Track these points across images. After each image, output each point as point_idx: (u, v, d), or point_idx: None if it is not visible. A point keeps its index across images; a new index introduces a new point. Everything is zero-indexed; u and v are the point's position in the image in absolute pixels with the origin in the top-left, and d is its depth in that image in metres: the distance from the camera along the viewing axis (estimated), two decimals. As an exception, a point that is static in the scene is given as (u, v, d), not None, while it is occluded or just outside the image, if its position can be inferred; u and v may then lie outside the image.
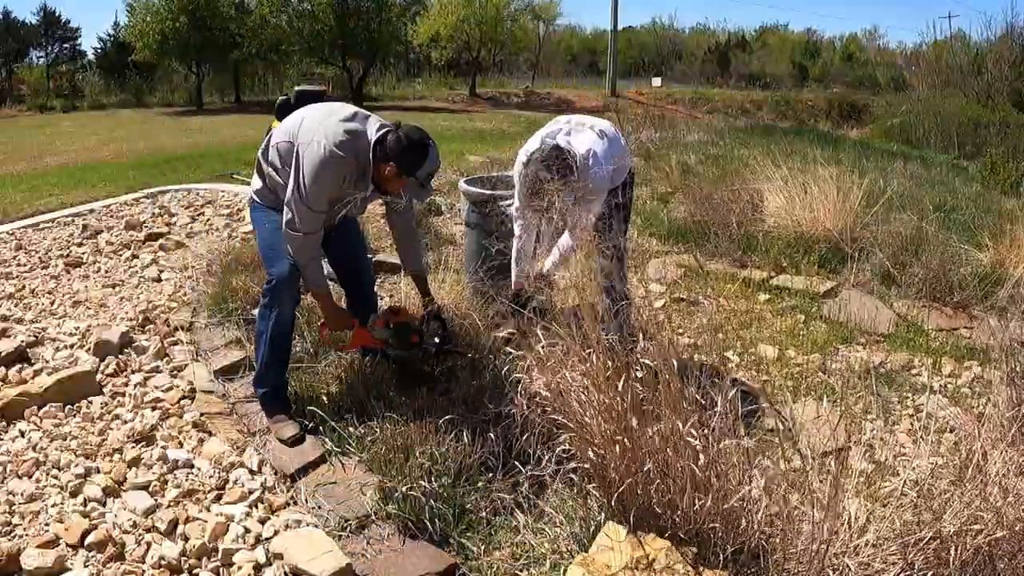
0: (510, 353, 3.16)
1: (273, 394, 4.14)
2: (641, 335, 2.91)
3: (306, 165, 3.66)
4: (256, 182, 4.13)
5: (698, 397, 2.67)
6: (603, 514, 2.90)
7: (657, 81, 43.94)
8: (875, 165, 11.23)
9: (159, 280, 6.62)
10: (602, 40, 54.86)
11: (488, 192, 5.20)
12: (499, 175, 5.94)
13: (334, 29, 35.32)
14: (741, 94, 41.44)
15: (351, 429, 3.84)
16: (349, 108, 3.90)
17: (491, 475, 3.46)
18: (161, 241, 7.72)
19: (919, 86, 27.97)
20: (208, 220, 8.85)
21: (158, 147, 17.56)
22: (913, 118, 22.25)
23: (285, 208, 3.74)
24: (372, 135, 3.75)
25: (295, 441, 3.91)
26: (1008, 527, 2.40)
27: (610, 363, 2.76)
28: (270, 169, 3.97)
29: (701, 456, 2.57)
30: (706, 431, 2.60)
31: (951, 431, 4.00)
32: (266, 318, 4.03)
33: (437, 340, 4.26)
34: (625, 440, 2.69)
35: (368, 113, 3.91)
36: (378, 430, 3.67)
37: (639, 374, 2.74)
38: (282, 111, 9.12)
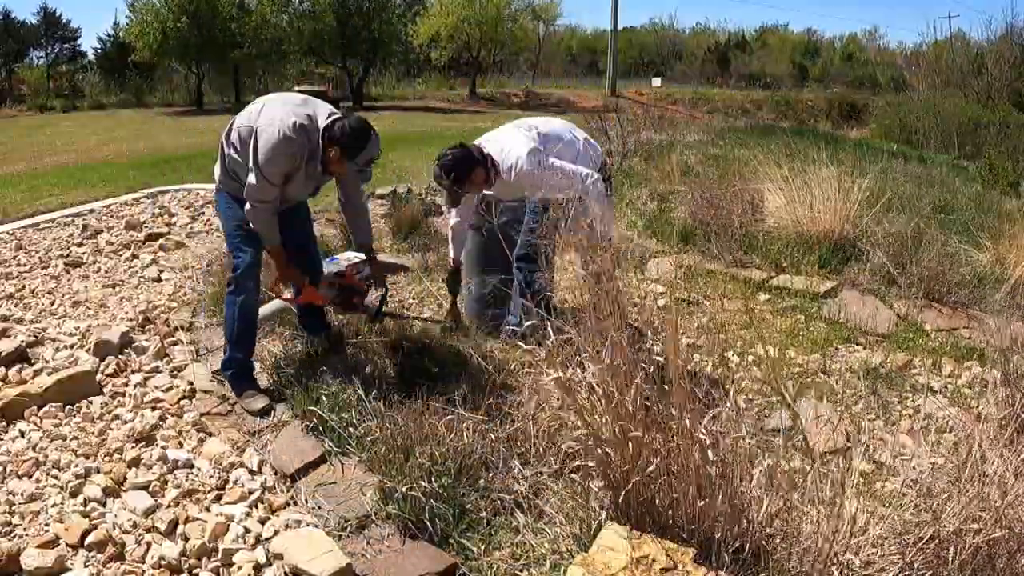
0: (517, 348, 3.15)
1: (240, 373, 4.48)
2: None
3: (263, 145, 4.08)
4: (217, 170, 4.50)
5: (700, 395, 2.68)
6: (604, 514, 2.90)
7: (657, 81, 43.97)
8: (875, 165, 11.23)
9: (159, 280, 6.62)
10: (602, 40, 54.90)
11: (487, 193, 5.13)
12: None
13: (335, 29, 35.34)
14: (741, 94, 41.47)
15: (351, 429, 3.84)
16: (303, 97, 4.41)
17: (491, 475, 3.45)
18: (161, 241, 7.73)
19: (919, 86, 27.99)
20: (208, 220, 8.85)
21: (158, 147, 17.56)
22: (913, 118, 22.25)
23: (248, 179, 4.17)
24: (322, 122, 4.20)
25: (264, 412, 4.26)
26: (1007, 527, 2.40)
27: (622, 361, 2.76)
28: (231, 151, 4.35)
29: (710, 453, 2.57)
30: (714, 429, 2.60)
31: (951, 431, 4.00)
32: (232, 304, 4.42)
33: (378, 303, 4.81)
34: (635, 438, 2.68)
35: (320, 102, 4.39)
36: (378, 430, 3.66)
37: (648, 372, 2.74)
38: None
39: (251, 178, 4.14)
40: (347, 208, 4.79)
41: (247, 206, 4.19)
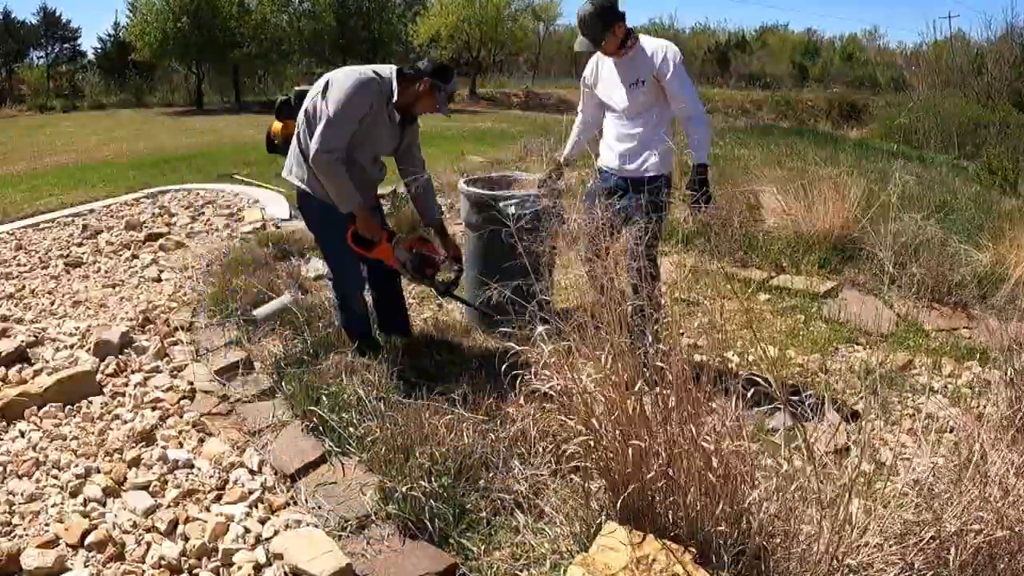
0: (512, 351, 3.13)
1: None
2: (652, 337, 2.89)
3: (336, 91, 4.13)
4: (299, 169, 4.39)
5: (702, 399, 2.67)
6: (604, 514, 2.90)
7: (657, 81, 43.92)
8: (875, 166, 11.23)
9: (159, 280, 6.62)
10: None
11: (487, 193, 5.12)
12: (500, 175, 5.84)
13: (335, 29, 35.39)
14: (741, 94, 41.48)
15: (351, 429, 3.83)
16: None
17: (491, 474, 3.45)
18: (161, 241, 7.73)
19: (919, 86, 28.02)
20: (208, 220, 8.86)
21: (158, 147, 17.56)
22: (913, 118, 22.27)
23: (316, 133, 4.10)
24: (391, 74, 4.27)
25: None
26: (1008, 527, 2.40)
27: (621, 366, 2.75)
28: (308, 128, 4.28)
29: (713, 460, 2.56)
30: (716, 435, 2.59)
31: (951, 431, 4.00)
32: (343, 309, 4.69)
33: (452, 277, 4.72)
34: (636, 444, 2.68)
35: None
36: (378, 430, 3.66)
37: (647, 377, 2.73)
38: (282, 111, 8.91)
39: (322, 125, 4.10)
40: (414, 185, 4.70)
41: (313, 155, 4.11)
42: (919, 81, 28.70)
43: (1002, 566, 2.43)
